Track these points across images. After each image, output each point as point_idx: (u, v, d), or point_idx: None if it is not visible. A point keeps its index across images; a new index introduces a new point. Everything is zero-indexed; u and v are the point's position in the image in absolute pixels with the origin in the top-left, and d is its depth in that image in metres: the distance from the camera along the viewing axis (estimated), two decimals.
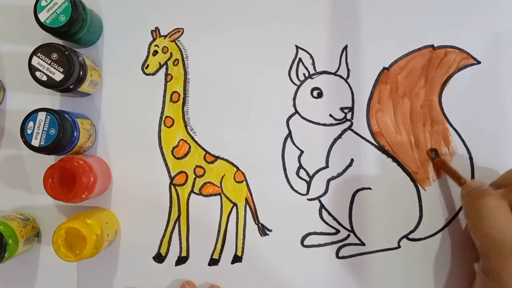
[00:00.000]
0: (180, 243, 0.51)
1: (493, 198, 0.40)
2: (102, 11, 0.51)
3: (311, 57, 0.51)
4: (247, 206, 0.51)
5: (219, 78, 0.51)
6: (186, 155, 0.51)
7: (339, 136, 0.51)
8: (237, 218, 0.51)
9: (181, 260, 0.51)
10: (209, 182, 0.51)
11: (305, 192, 0.51)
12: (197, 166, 0.51)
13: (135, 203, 0.51)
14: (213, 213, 0.51)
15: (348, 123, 0.51)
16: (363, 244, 0.50)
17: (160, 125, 0.51)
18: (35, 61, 0.44)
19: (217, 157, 0.51)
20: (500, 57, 0.51)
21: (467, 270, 0.50)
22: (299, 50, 0.51)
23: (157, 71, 0.51)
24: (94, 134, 0.50)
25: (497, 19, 0.51)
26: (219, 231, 0.51)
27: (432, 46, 0.51)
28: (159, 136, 0.51)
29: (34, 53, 0.44)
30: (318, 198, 0.51)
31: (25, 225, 0.48)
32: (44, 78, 0.44)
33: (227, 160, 0.51)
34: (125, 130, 0.51)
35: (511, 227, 0.38)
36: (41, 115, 0.44)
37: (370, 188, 0.50)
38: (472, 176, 0.50)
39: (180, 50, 0.51)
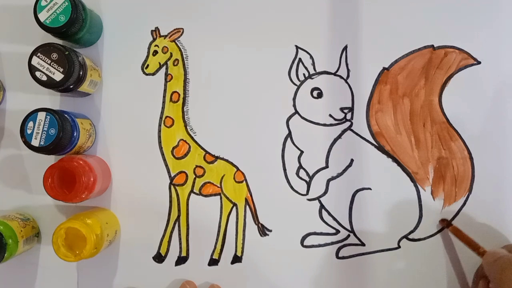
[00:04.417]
0: (180, 243, 0.51)
1: None
2: (102, 11, 0.51)
3: (311, 57, 0.51)
4: (247, 206, 0.51)
5: (219, 78, 0.51)
6: (186, 155, 0.51)
7: (339, 136, 0.51)
8: (237, 218, 0.51)
9: (181, 260, 0.51)
10: (209, 182, 0.51)
11: (305, 192, 0.51)
12: (197, 166, 0.51)
13: (135, 203, 0.51)
14: (213, 213, 0.51)
15: (348, 123, 0.51)
16: (363, 244, 0.50)
17: (160, 125, 0.51)
18: (35, 61, 0.44)
19: (217, 157, 0.51)
20: (500, 57, 0.51)
21: (467, 270, 0.50)
22: (299, 50, 0.51)
23: (157, 71, 0.51)
24: (94, 134, 0.50)
25: (497, 19, 0.51)
26: (219, 231, 0.51)
27: (432, 46, 0.51)
28: (159, 136, 0.51)
29: (34, 53, 0.44)
30: (318, 198, 0.51)
31: (25, 225, 0.48)
32: (44, 78, 0.44)
33: (227, 160, 0.51)
34: (125, 130, 0.51)
35: None
36: (41, 115, 0.44)
37: (370, 188, 0.50)
38: (473, 177, 0.50)
39: (180, 50, 0.51)
